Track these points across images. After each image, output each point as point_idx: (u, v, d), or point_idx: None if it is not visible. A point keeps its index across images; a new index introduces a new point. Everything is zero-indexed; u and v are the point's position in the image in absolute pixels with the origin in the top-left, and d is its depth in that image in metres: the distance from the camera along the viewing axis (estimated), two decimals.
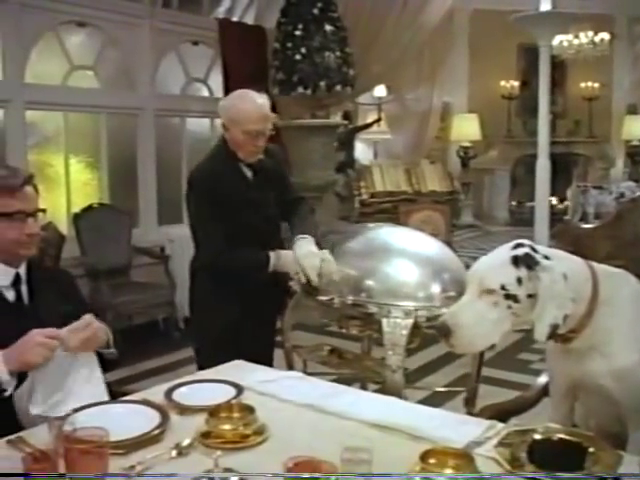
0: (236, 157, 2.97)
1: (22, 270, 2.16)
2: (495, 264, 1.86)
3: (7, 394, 1.92)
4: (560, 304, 1.78)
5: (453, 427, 1.82)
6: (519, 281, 1.80)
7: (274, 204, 3.12)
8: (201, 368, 2.75)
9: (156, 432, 1.75)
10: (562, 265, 1.84)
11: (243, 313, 2.97)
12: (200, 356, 3.12)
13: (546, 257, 1.84)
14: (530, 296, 1.80)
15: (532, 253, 1.83)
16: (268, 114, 2.95)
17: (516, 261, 1.82)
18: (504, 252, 1.87)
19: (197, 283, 3.11)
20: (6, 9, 5.20)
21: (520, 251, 1.84)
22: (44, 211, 2.18)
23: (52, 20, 5.57)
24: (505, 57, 11.70)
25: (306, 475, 1.25)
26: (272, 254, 2.89)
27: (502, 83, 11.99)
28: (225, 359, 2.40)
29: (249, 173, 3.01)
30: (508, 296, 1.80)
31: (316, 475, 1.25)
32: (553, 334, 1.81)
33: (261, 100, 2.94)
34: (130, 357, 4.23)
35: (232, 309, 2.97)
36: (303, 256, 2.79)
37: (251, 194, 2.99)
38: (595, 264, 1.97)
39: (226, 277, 2.95)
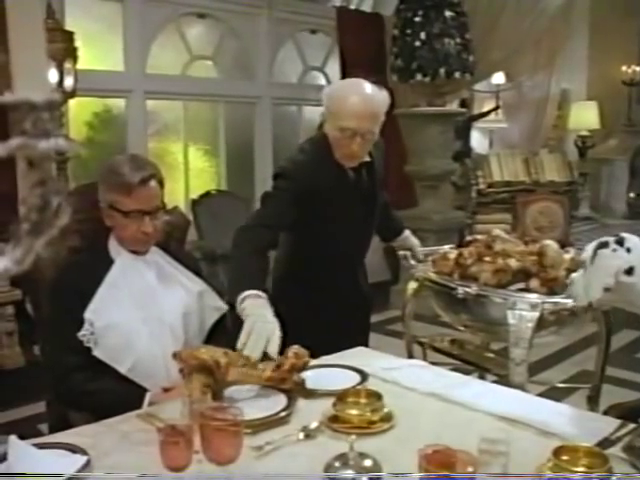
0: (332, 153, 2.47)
1: (149, 256, 2.22)
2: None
3: None
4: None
5: (583, 424, 1.77)
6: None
7: (372, 215, 2.66)
8: None
9: (283, 414, 1.78)
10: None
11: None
12: None
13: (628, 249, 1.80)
14: None
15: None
16: (374, 112, 2.37)
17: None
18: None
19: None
20: (129, 3, 5.40)
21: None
22: (164, 207, 2.19)
23: (173, 12, 5.74)
24: (627, 41, 11.15)
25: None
26: (249, 293, 2.04)
27: (623, 68, 11.47)
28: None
29: (351, 172, 2.53)
30: None
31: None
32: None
33: (370, 93, 2.37)
34: None
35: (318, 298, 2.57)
36: None
37: (349, 198, 2.52)
38: None
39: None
